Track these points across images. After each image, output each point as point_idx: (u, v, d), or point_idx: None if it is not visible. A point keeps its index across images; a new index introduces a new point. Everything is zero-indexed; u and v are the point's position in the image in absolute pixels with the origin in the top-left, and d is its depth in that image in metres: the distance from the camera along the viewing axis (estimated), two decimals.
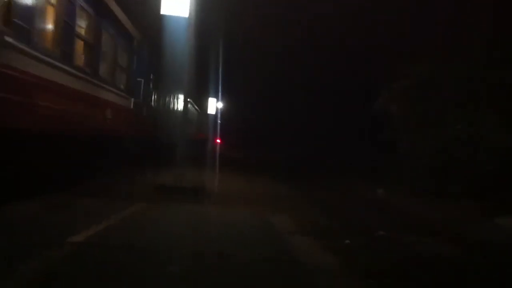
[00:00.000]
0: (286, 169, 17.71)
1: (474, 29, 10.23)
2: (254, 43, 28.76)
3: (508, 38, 9.36)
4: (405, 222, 7.29)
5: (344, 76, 26.08)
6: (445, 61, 10.97)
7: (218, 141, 29.06)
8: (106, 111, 9.19)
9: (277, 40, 28.77)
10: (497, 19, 9.66)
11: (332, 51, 25.21)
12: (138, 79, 11.83)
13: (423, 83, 11.47)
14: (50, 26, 6.69)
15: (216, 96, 27.93)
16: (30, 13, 5.75)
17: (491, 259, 5.07)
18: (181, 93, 16.18)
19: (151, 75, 14.00)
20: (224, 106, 33.59)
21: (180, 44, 9.28)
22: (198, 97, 25.85)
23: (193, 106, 24.01)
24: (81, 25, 7.91)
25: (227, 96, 33.55)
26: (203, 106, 29.66)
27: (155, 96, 15.06)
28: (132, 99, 11.18)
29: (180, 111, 18.41)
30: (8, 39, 5.18)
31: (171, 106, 18.17)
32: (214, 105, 27.86)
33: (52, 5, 6.58)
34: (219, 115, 29.71)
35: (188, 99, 11.42)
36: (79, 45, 7.81)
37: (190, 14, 8.54)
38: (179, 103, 18.36)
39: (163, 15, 8.91)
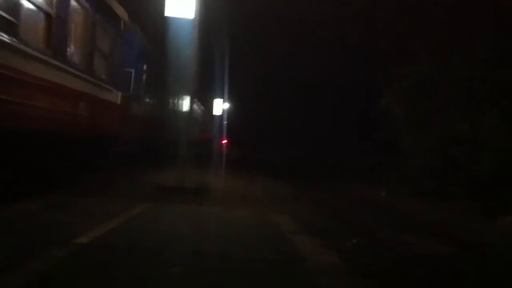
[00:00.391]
0: (287, 169, 17.72)
1: (474, 29, 10.23)
2: (254, 43, 28.79)
3: (508, 38, 9.36)
4: (405, 222, 7.29)
5: (344, 76, 26.08)
6: (445, 61, 10.97)
7: (224, 141, 28.92)
8: (78, 104, 7.44)
9: (277, 40, 28.80)
10: (497, 19, 9.66)
11: (333, 50, 25.22)
12: (127, 69, 10.29)
13: (422, 82, 11.48)
14: None
15: (222, 97, 27.88)
16: None
17: (491, 259, 5.07)
18: (182, 90, 15.93)
19: (144, 66, 12.70)
20: (230, 107, 33.54)
21: (182, 34, 9.16)
22: (202, 97, 25.78)
23: (197, 106, 23.92)
24: None
25: (230, 96, 33.54)
26: (207, 106, 29.65)
27: (151, 91, 14.05)
28: (119, 93, 9.61)
29: (181, 110, 18.33)
30: None
31: (172, 103, 17.60)
32: (220, 106, 27.78)
33: None
34: (225, 116, 29.61)
35: (192, 98, 10.97)
36: (31, 13, 5.89)
37: (195, 15, 8.48)
38: (180, 100, 18.16)
39: None
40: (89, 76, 7.75)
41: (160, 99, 15.89)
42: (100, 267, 3.38)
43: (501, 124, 9.19)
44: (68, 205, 5.72)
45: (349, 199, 10.17)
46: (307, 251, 4.48)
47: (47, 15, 6.24)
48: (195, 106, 12.10)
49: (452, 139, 10.24)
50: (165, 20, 9.88)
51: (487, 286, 4.16)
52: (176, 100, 18.13)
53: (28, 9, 5.75)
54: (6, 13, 5.04)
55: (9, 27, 5.13)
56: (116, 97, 9.49)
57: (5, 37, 5.01)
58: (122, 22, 9.94)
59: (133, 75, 10.50)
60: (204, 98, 27.64)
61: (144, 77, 12.90)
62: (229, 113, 33.00)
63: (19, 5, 5.40)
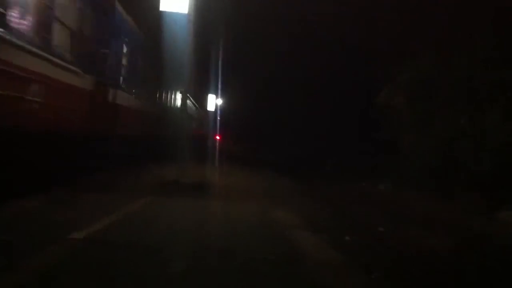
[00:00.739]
0: (287, 168, 17.72)
1: (474, 29, 10.24)
2: (253, 40, 28.77)
3: (508, 38, 9.37)
4: (407, 219, 7.30)
5: (344, 76, 26.07)
6: (445, 61, 10.99)
7: (218, 137, 29.02)
8: (23, 86, 5.61)
9: (277, 40, 28.79)
10: (497, 19, 9.67)
11: (333, 50, 25.21)
12: (102, 50, 8.62)
13: (422, 82, 11.49)
14: None
15: (216, 93, 27.94)
16: None
17: (494, 255, 5.09)
18: (177, 86, 15.61)
19: (125, 48, 10.78)
20: (224, 103, 33.55)
21: (177, 30, 9.17)
22: (196, 92, 25.69)
23: (191, 101, 23.74)
24: None
25: (227, 93, 33.56)
26: (201, 102, 29.61)
27: (148, 86, 12.72)
28: (90, 77, 7.89)
29: (176, 105, 18.01)
30: None
31: (166, 98, 16.86)
32: (213, 102, 27.83)
33: None
34: (218, 112, 29.66)
35: (182, 91, 10.52)
36: None
37: (189, 10, 8.54)
38: (175, 95, 17.78)
39: None
40: (44, 52, 6.09)
41: (155, 94, 15.28)
42: (101, 264, 3.39)
43: (502, 123, 9.20)
44: (67, 202, 5.71)
45: (349, 197, 10.18)
46: (310, 246, 4.50)
47: None
48: (188, 102, 11.46)
49: (452, 139, 10.25)
50: (160, 15, 9.92)
51: (490, 281, 4.18)
52: (171, 96, 18.02)
53: None
54: None
55: None
56: (86, 82, 7.70)
57: None
58: None
59: (110, 58, 8.98)
60: (200, 95, 27.68)
61: (137, 69, 11.98)
62: (229, 111, 33.02)
63: None
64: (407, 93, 12.23)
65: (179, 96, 15.04)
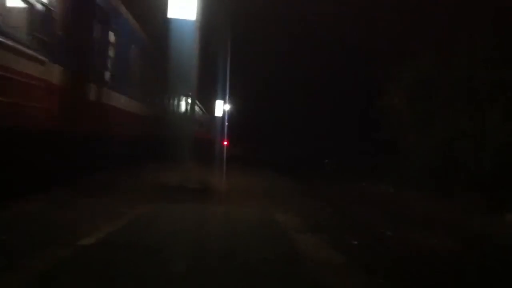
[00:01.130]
0: (288, 169, 17.72)
1: (474, 29, 10.24)
2: (254, 43, 28.80)
3: (508, 38, 9.38)
4: (408, 220, 7.30)
5: (344, 76, 26.10)
6: (445, 61, 10.99)
7: (225, 143, 28.86)
8: None
9: (277, 40, 28.81)
10: (497, 19, 9.67)
11: (333, 50, 25.24)
12: (82, 36, 7.18)
13: (422, 82, 11.50)
14: None
15: (224, 99, 27.89)
16: None
17: (494, 255, 5.10)
18: (182, 90, 15.34)
19: (113, 38, 9.32)
20: (231, 108, 33.46)
21: (183, 35, 9.09)
22: (203, 97, 25.64)
23: (198, 106, 23.44)
24: None
25: (230, 96, 33.54)
26: (208, 107, 29.62)
27: (132, 79, 11.11)
28: (60, 68, 6.47)
29: (176, 107, 17.85)
30: None
31: (164, 99, 16.03)
32: (221, 107, 27.76)
33: None
34: (226, 117, 29.53)
35: (189, 95, 10.42)
36: None
37: (197, 17, 8.53)
38: (177, 97, 17.49)
39: None
40: None
41: (157, 96, 14.92)
42: (105, 271, 3.32)
43: (502, 123, 9.21)
44: (70, 205, 5.70)
45: (349, 197, 10.19)
46: (312, 248, 4.50)
47: None
48: (195, 107, 11.03)
49: (452, 139, 10.26)
50: (167, 22, 9.85)
51: (493, 280, 4.18)
52: (176, 100, 17.95)
53: None
54: None
55: None
56: (52, 73, 6.24)
57: None
58: None
59: (97, 50, 7.53)
60: (205, 99, 27.66)
61: (133, 68, 11.14)
62: (229, 113, 32.98)
63: None
64: (407, 93, 12.24)
65: (185, 100, 14.76)
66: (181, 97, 17.84)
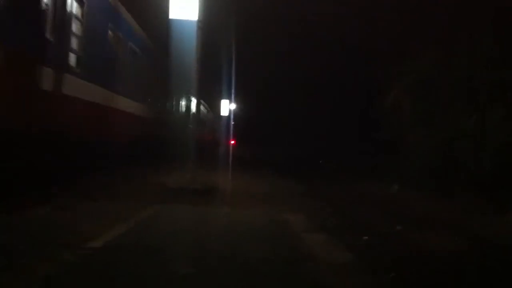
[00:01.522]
0: (288, 169, 17.73)
1: (474, 29, 10.25)
2: (254, 43, 28.79)
3: (508, 38, 9.39)
4: (413, 220, 7.30)
5: (344, 76, 26.10)
6: (445, 61, 11.00)
7: (232, 142, 28.70)
8: None
9: (277, 40, 28.82)
10: (497, 19, 9.68)
11: (333, 50, 25.25)
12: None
13: (422, 82, 11.51)
14: None
15: (229, 98, 27.88)
16: None
17: (494, 255, 5.11)
18: (186, 91, 15.09)
19: (87, 16, 7.73)
20: (234, 107, 33.40)
21: (185, 36, 9.08)
22: (207, 98, 25.51)
23: (204, 106, 23.15)
24: None
25: (229, 94, 33.55)
26: (213, 107, 29.56)
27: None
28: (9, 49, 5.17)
29: (179, 106, 17.80)
30: None
31: (165, 98, 15.88)
32: (226, 107, 27.71)
33: None
34: (232, 117, 29.46)
35: (193, 95, 10.23)
36: None
37: (199, 17, 8.53)
38: (184, 101, 17.49)
39: None
40: None
41: (156, 95, 14.61)
42: (113, 276, 3.28)
43: (502, 123, 9.21)
44: (75, 207, 5.66)
45: (349, 197, 10.19)
46: (320, 248, 4.51)
47: None
48: (198, 107, 10.74)
49: (452, 139, 10.27)
50: (168, 23, 9.82)
51: (497, 280, 4.19)
52: (180, 99, 17.88)
53: None
54: None
55: None
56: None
57: None
58: None
59: (58, 23, 6.10)
60: (210, 99, 27.62)
61: (119, 61, 10.06)
62: (234, 113, 32.97)
63: None
64: (407, 93, 12.25)
65: (190, 100, 14.56)
66: (185, 97, 17.74)
